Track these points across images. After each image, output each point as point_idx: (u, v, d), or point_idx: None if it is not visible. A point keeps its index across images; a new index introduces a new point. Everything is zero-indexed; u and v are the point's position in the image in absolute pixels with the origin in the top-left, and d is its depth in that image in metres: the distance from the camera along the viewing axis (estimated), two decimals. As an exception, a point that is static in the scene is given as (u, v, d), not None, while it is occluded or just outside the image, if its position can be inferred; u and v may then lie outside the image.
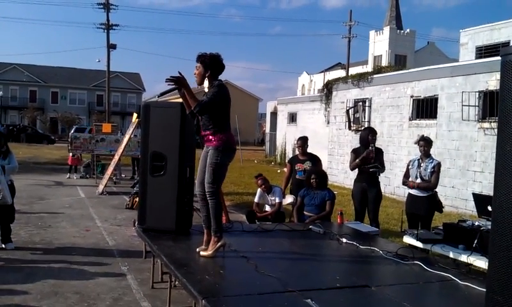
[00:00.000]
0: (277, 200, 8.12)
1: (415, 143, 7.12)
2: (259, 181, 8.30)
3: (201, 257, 4.74)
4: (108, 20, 39.28)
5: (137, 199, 8.79)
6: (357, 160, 7.45)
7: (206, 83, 4.81)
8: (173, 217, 5.56)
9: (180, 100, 4.96)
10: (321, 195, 7.45)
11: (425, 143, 6.91)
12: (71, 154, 17.02)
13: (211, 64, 4.78)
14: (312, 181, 7.50)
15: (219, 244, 4.77)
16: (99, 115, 54.30)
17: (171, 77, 4.73)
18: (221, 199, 5.09)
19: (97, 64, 68.83)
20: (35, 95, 64.64)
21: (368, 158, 7.37)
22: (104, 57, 40.64)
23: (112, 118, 44.25)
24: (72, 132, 27.34)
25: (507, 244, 2.44)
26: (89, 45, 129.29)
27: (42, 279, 5.83)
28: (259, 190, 8.36)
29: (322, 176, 7.71)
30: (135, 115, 14.60)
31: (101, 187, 13.40)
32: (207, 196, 4.77)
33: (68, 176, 16.80)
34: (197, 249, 4.89)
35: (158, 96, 5.52)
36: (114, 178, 15.42)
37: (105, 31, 39.32)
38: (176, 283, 4.82)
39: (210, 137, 4.74)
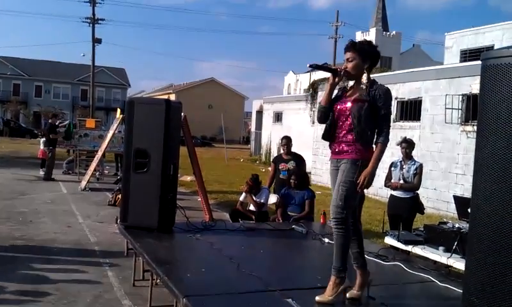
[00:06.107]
0: (262, 200, 8.11)
1: (397, 145, 7.17)
2: (245, 187, 8.21)
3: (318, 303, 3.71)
4: (94, 14, 38.99)
5: (120, 195, 8.75)
6: None
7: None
8: (155, 215, 5.54)
9: (163, 96, 4.85)
10: (300, 194, 7.53)
11: (407, 145, 6.98)
12: (42, 148, 16.29)
13: (371, 53, 3.77)
14: (291, 181, 7.56)
15: (342, 287, 3.81)
16: (83, 110, 53.78)
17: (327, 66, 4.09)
18: (204, 197, 5.07)
19: (82, 58, 68.14)
20: (19, 89, 63.78)
21: None
22: (89, 51, 40.35)
23: (96, 113, 43.86)
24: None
25: (484, 247, 2.47)
26: (75, 39, 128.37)
27: (22, 276, 5.76)
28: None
29: (301, 177, 7.70)
30: (119, 111, 14.48)
31: (83, 183, 13.29)
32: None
33: (40, 171, 16.20)
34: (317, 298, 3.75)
35: (309, 66, 4.06)
36: (97, 174, 15.27)
37: (91, 25, 39.02)
38: (158, 281, 4.80)
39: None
